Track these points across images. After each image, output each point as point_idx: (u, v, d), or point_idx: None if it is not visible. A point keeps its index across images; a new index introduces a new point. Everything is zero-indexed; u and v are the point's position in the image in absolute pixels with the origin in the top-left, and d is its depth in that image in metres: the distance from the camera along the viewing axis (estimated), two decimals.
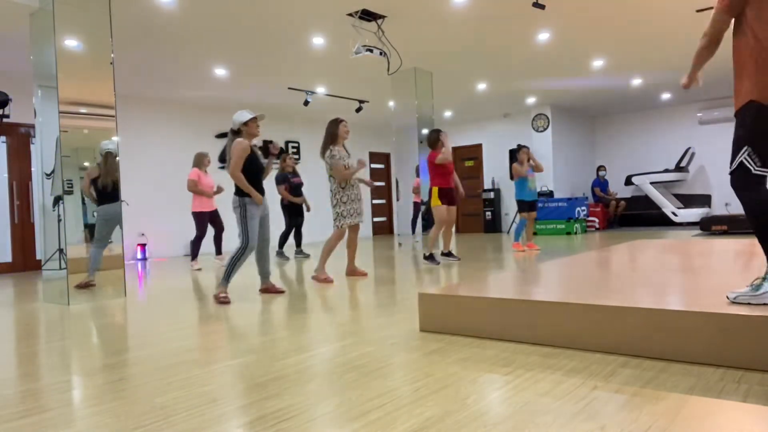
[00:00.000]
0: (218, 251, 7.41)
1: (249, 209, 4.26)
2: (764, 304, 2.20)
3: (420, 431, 1.59)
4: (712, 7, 6.31)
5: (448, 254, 6.39)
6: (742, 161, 2.34)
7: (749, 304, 2.24)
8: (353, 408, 1.81)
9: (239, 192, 4.27)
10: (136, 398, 2.03)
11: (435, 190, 6.14)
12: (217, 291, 4.29)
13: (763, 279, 2.26)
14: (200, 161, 7.21)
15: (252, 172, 4.30)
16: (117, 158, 4.92)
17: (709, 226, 9.19)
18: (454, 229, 14.14)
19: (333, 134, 5.08)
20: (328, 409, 1.82)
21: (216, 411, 1.85)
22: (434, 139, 6.21)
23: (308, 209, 7.90)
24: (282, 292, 4.58)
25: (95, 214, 4.83)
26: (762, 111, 2.28)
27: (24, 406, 1.99)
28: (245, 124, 4.27)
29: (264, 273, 4.56)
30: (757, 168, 2.31)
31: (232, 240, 10.11)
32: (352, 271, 5.45)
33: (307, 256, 8.03)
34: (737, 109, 2.36)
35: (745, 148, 2.33)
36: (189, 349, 2.77)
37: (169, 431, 1.69)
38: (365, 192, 13.51)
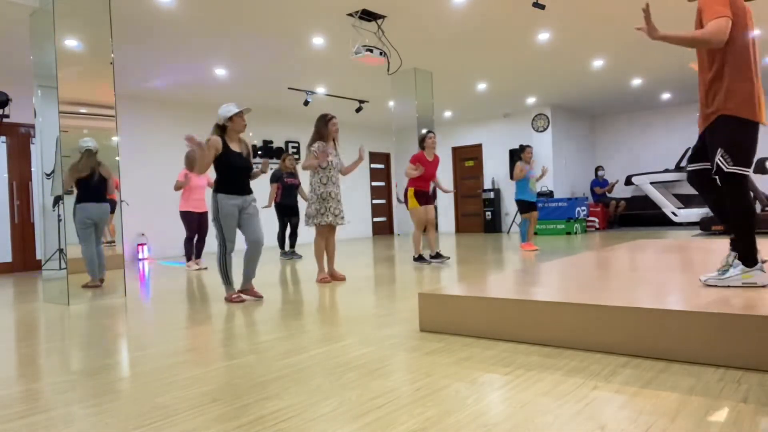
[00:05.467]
0: (198, 255, 7.20)
1: (222, 206, 4.09)
2: (727, 286, 2.68)
3: (420, 431, 1.59)
4: None
5: (437, 256, 6.29)
6: None
7: (716, 286, 2.72)
8: (353, 408, 1.81)
9: (214, 189, 4.16)
10: (136, 398, 2.03)
11: (411, 191, 6.13)
12: (227, 294, 4.26)
13: (730, 266, 2.72)
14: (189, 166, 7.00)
15: (227, 167, 4.12)
16: (117, 158, 4.91)
17: (709, 226, 9.19)
18: (454, 229, 14.05)
19: (320, 132, 5.00)
20: (328, 409, 1.82)
21: (216, 411, 1.85)
22: (421, 139, 6.30)
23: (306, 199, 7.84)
24: (260, 297, 4.34)
25: (74, 212, 4.69)
26: None
27: (24, 406, 1.99)
28: (230, 119, 4.14)
29: (246, 275, 4.34)
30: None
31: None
32: (332, 275, 5.25)
33: (300, 257, 8.00)
34: None
35: None
36: (189, 349, 2.77)
37: (168, 431, 1.69)
38: (364, 191, 13.50)
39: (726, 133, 2.66)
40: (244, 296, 4.32)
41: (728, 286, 2.67)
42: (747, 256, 2.67)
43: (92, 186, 4.80)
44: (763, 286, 2.63)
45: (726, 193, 2.69)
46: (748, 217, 2.66)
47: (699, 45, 2.62)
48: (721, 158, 2.65)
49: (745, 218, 2.66)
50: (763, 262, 2.70)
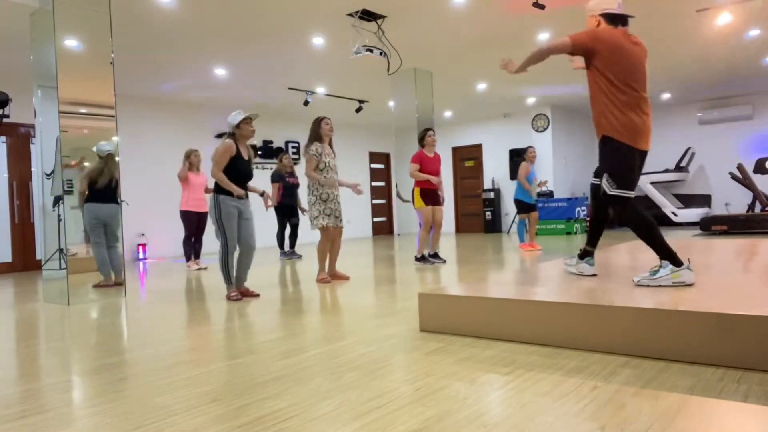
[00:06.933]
0: (197, 255, 7.18)
1: (224, 207, 4.18)
2: (659, 285, 2.76)
3: (420, 431, 1.59)
4: (711, 8, 6.31)
5: (434, 255, 6.30)
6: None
7: (648, 285, 2.79)
8: (353, 408, 1.81)
9: (215, 190, 4.23)
10: (136, 398, 2.03)
11: (417, 190, 6.08)
12: (227, 292, 4.34)
13: (660, 267, 2.81)
14: (188, 159, 6.96)
15: (234, 173, 4.22)
16: (117, 159, 4.93)
17: (709, 226, 9.19)
18: (454, 229, 14.05)
19: (316, 133, 5.06)
20: (328, 409, 1.82)
21: (216, 411, 1.85)
22: (420, 137, 6.24)
23: (303, 212, 7.66)
24: (256, 295, 4.40)
25: (84, 212, 4.77)
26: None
27: (24, 406, 1.99)
28: (237, 126, 4.24)
29: (239, 278, 4.42)
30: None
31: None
32: (333, 275, 5.30)
33: (300, 257, 7.99)
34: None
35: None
36: (189, 349, 2.77)
37: (169, 431, 1.69)
38: (364, 191, 13.49)
39: (606, 155, 2.91)
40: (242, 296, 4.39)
41: (660, 286, 2.77)
42: (669, 260, 2.81)
43: (101, 187, 4.85)
44: (692, 285, 2.76)
45: (618, 214, 2.91)
46: (646, 230, 2.82)
47: (542, 55, 3.05)
48: (606, 182, 2.91)
49: (643, 231, 2.83)
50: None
